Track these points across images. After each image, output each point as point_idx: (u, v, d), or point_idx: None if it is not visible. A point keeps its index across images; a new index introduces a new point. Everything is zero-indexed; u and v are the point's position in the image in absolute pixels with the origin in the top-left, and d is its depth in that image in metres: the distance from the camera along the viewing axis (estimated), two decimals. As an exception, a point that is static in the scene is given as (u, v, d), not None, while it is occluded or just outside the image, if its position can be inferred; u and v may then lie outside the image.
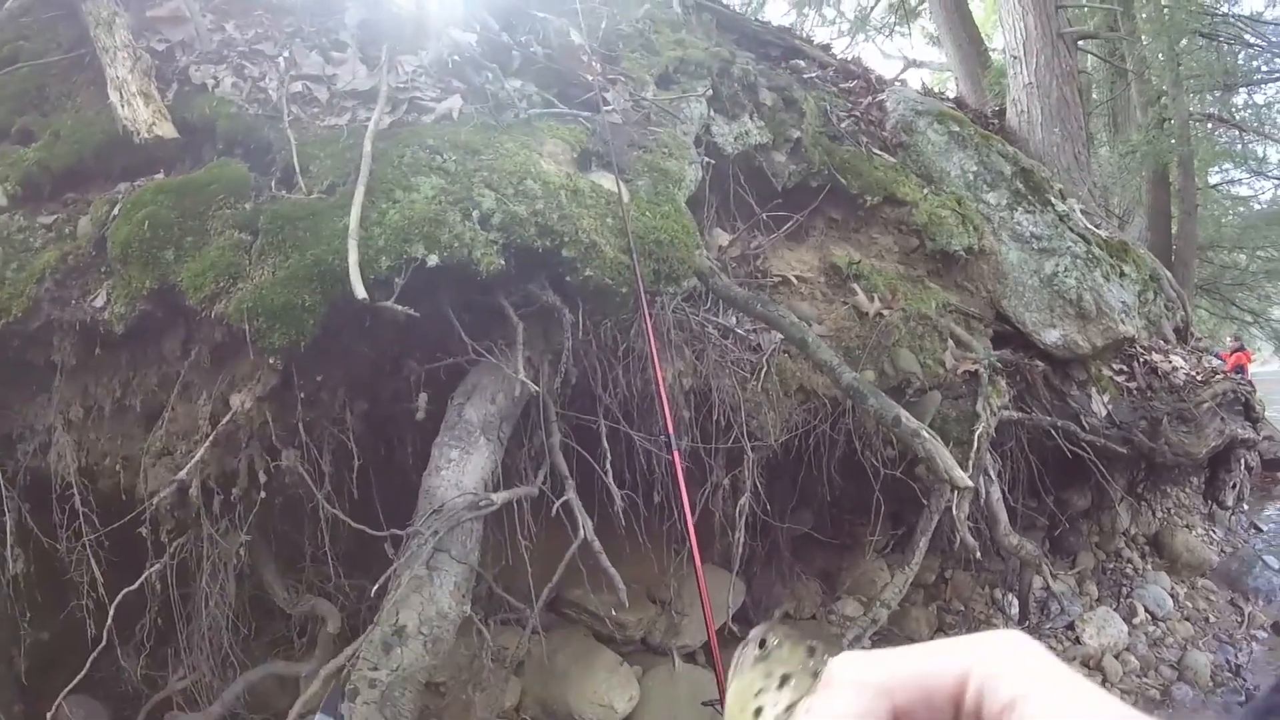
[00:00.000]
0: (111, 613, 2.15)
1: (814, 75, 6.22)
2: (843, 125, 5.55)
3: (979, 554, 3.51)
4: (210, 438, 1.88)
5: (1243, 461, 6.12)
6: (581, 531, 2.37)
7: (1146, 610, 5.01)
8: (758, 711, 0.46)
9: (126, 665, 2.67)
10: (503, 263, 2.09)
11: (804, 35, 7.97)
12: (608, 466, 2.55)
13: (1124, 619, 4.80)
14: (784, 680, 0.46)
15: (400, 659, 1.98)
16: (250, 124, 2.44)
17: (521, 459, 2.48)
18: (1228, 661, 4.63)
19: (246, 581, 2.47)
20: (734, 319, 3.98)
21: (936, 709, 0.34)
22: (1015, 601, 4.80)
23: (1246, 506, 7.07)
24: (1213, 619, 5.16)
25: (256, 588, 2.61)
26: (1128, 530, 6.00)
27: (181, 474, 1.83)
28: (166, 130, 2.52)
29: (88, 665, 2.20)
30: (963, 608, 4.81)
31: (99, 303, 2.11)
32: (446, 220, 2.04)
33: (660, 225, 2.84)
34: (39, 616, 2.65)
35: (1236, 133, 14.12)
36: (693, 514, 1.99)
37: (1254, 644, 4.88)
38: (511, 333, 2.17)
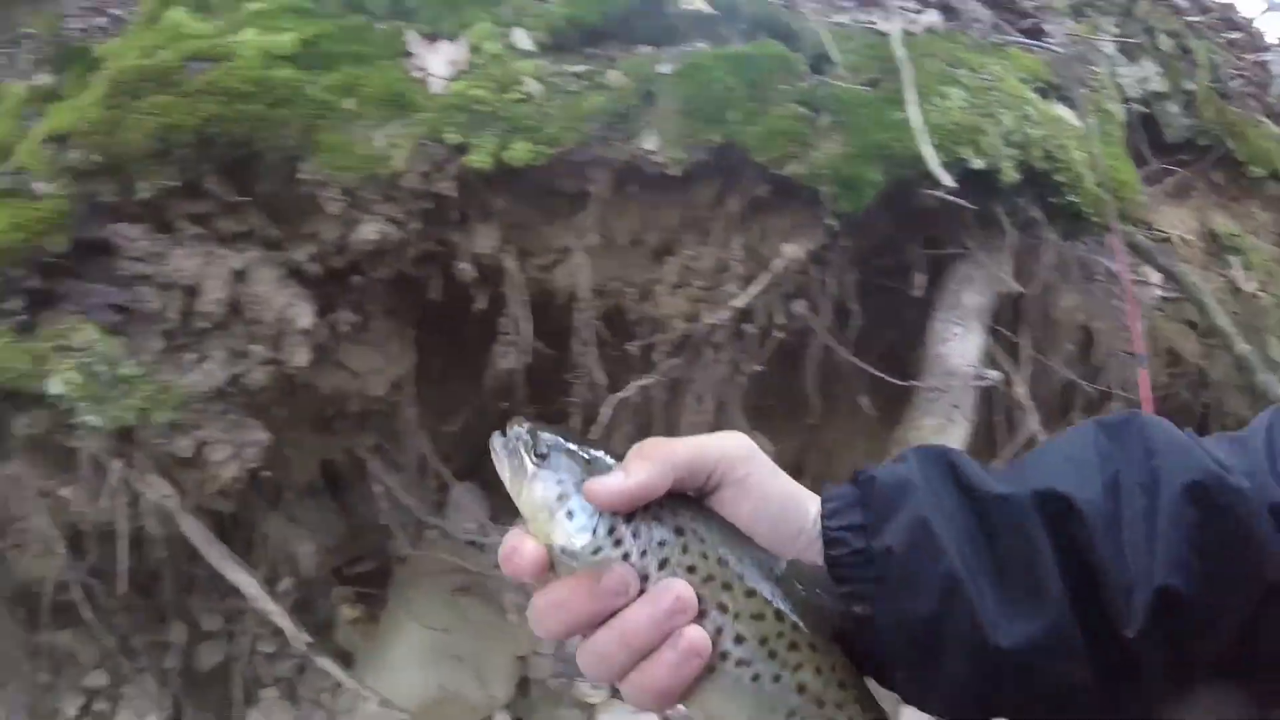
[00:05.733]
0: (608, 413, 2.40)
1: (1198, 20, 5.84)
2: (1231, 84, 5.23)
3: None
4: (764, 280, 2.21)
5: None
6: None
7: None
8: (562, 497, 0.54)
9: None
10: (1019, 177, 2.28)
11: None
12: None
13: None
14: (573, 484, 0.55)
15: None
16: (772, 10, 2.72)
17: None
18: None
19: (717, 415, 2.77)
20: (1115, 266, 3.99)
21: (698, 477, 0.55)
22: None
23: None
24: None
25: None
26: None
27: (739, 301, 2.19)
28: (700, 4, 2.84)
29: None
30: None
31: (650, 145, 2.40)
32: (985, 130, 2.25)
33: (1114, 166, 2.95)
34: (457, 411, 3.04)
35: None
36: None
37: None
38: (999, 238, 2.39)
